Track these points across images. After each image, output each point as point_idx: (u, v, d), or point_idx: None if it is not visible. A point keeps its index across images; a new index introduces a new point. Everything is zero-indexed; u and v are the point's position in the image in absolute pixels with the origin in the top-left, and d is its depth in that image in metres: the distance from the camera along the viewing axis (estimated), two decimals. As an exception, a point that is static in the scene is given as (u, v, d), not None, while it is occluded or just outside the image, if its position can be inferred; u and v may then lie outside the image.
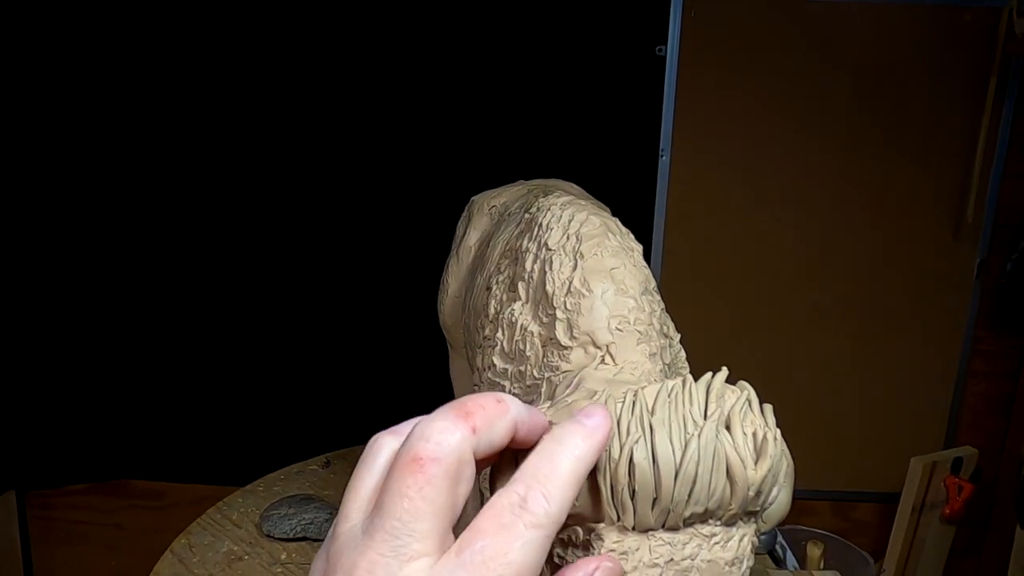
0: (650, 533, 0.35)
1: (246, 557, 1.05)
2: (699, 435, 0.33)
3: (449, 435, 0.30)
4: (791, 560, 1.56)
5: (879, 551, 1.82)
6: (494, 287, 0.61)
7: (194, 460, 1.89)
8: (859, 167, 1.77)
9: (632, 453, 0.33)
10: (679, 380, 0.36)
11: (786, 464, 0.36)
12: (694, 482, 0.33)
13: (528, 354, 0.53)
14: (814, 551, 1.56)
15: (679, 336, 0.57)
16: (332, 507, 1.13)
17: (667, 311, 0.55)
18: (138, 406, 1.86)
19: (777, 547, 1.57)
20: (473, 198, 0.90)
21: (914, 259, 1.81)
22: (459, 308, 0.84)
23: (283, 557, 1.05)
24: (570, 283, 0.50)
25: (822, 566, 1.54)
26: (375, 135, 1.73)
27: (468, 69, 1.70)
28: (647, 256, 1.83)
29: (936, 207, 1.78)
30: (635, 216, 1.73)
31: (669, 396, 0.35)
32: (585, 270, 0.50)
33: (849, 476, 1.90)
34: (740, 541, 0.36)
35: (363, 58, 1.69)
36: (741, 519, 0.36)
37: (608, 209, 0.68)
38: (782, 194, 1.79)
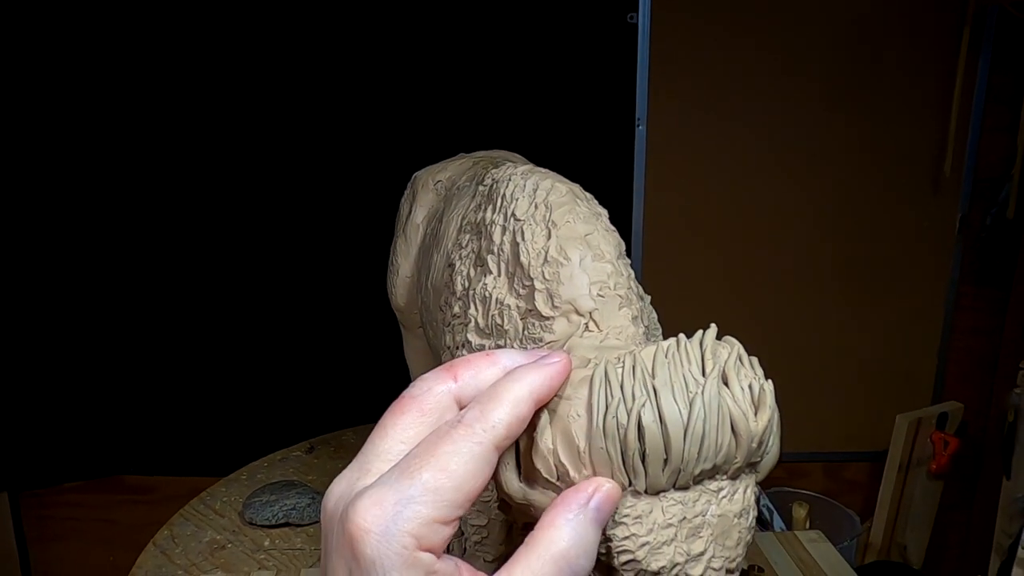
0: (661, 495, 0.35)
1: (229, 545, 1.03)
2: (702, 393, 0.34)
3: (426, 380, 0.33)
4: (778, 522, 1.56)
5: (871, 509, 1.83)
6: (457, 263, 0.60)
7: (185, 453, 1.88)
8: (837, 126, 1.76)
9: (640, 417, 0.34)
10: (673, 340, 0.37)
11: (777, 414, 0.37)
12: (702, 439, 0.34)
13: (507, 328, 0.52)
14: (800, 512, 1.57)
15: (649, 298, 0.58)
16: (315, 491, 1.11)
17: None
18: (126, 403, 1.85)
19: (764, 509, 1.57)
20: (415, 174, 0.87)
21: (896, 216, 1.80)
22: (413, 289, 0.83)
23: (266, 543, 1.03)
24: (546, 252, 0.50)
25: (807, 526, 1.55)
26: (330, 118, 1.70)
27: (435, 40, 1.66)
28: (629, 225, 1.81)
29: (917, 163, 1.78)
30: (614, 186, 1.71)
31: (667, 357, 0.36)
32: (560, 238, 0.50)
33: (839, 436, 1.91)
34: (745, 492, 0.37)
35: (314, 29, 1.66)
36: (744, 471, 0.37)
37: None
38: (760, 158, 1.77)
